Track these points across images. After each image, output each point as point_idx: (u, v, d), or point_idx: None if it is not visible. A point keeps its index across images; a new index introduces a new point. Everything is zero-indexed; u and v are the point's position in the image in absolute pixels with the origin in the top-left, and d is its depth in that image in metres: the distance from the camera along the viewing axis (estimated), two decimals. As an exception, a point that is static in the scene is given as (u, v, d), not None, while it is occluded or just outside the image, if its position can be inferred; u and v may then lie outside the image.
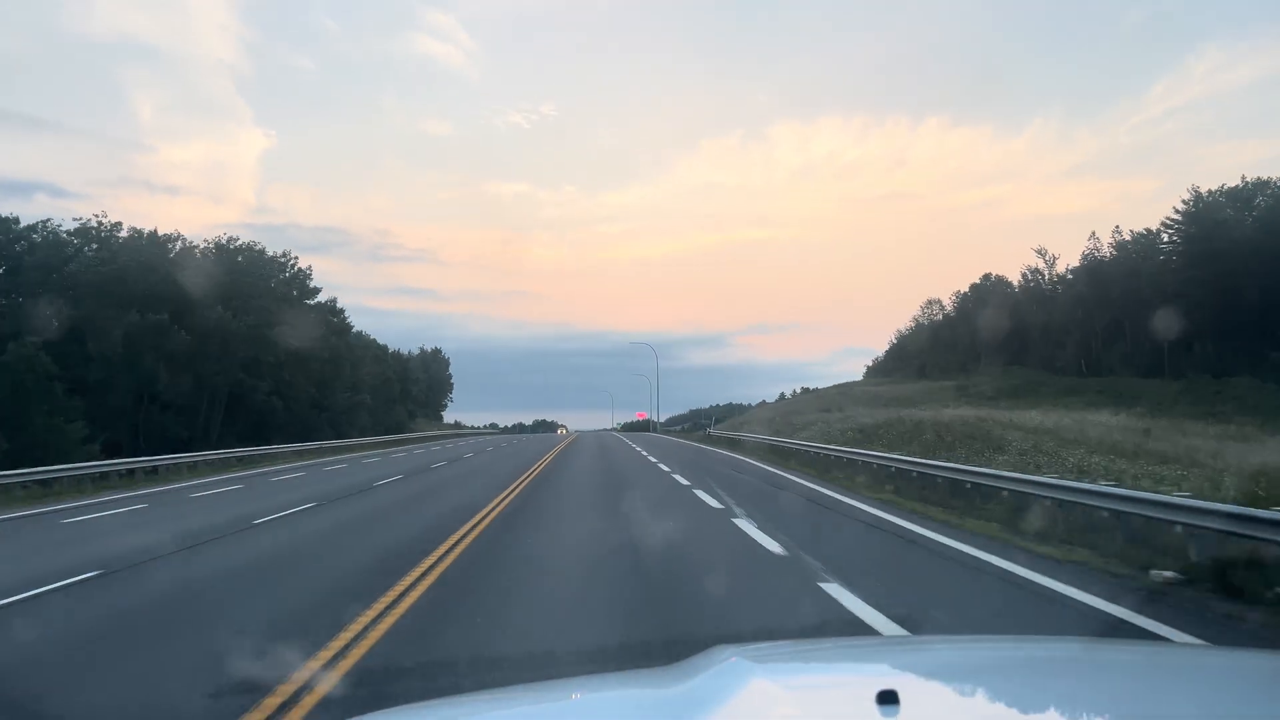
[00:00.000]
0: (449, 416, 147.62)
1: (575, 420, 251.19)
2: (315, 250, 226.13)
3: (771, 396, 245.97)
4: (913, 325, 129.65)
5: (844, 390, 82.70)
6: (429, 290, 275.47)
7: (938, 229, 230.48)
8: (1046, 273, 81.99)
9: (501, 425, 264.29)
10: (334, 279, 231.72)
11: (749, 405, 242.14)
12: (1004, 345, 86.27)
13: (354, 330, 75.83)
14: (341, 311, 56.06)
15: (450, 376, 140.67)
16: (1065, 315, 73.33)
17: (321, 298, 53.41)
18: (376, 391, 65.88)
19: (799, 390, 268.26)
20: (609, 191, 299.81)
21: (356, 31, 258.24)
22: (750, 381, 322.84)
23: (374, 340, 77.49)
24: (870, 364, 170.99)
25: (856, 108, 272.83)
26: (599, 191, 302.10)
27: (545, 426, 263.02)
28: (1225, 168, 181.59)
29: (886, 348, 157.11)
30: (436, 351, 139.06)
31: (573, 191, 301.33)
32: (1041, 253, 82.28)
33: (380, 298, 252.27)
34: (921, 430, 39.97)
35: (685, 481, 22.69)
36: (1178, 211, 65.54)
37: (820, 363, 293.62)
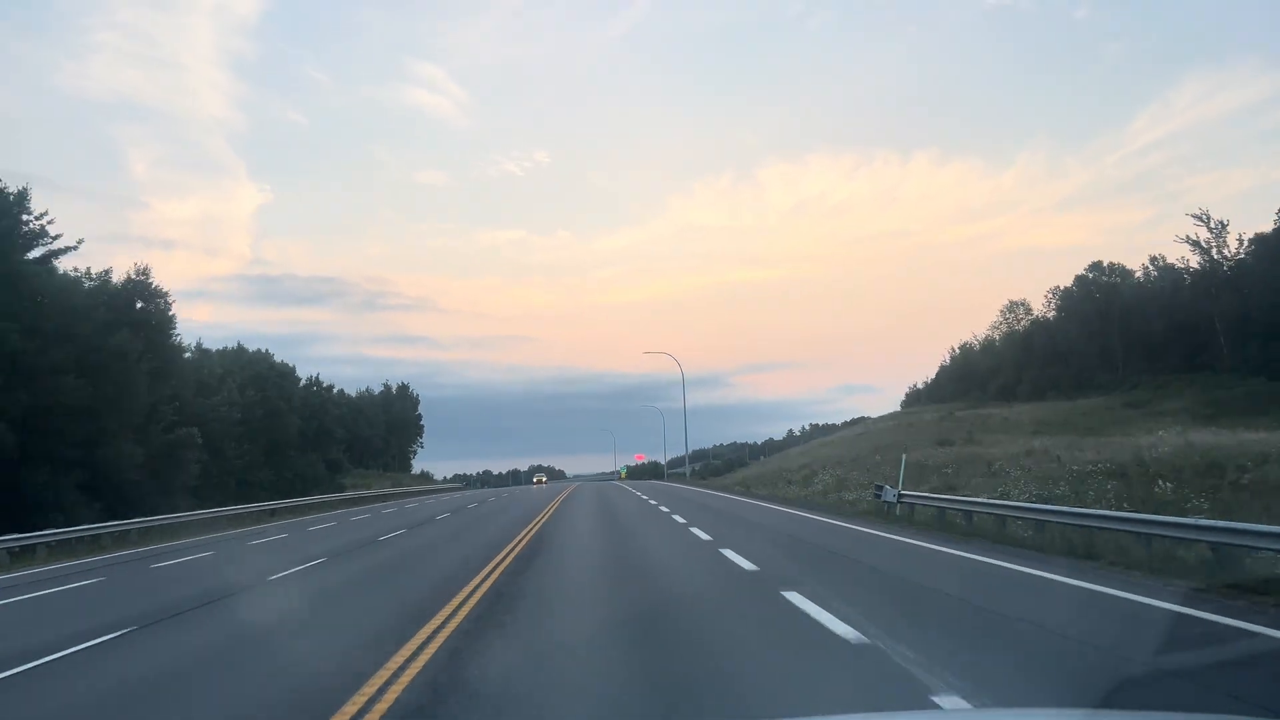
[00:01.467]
0: (421, 465, 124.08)
1: (576, 465, 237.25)
2: (312, 301, 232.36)
3: (778, 434, 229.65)
4: (984, 339, 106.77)
5: (944, 416, 59.11)
6: (426, 338, 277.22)
7: (931, 264, 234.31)
8: (1214, 246, 59.22)
9: (497, 472, 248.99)
10: (331, 329, 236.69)
11: (755, 444, 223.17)
12: (1148, 347, 62.97)
13: (236, 345, 52.56)
14: (162, 297, 32.55)
15: (420, 418, 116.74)
16: (1271, 296, 50.37)
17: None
18: (253, 431, 42.71)
19: (807, 427, 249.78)
20: (603, 235, 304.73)
21: (348, 85, 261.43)
22: (749, 420, 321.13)
23: (267, 355, 53.96)
24: (911, 390, 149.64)
25: (845, 147, 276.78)
26: (593, 236, 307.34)
27: (545, 474, 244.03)
28: (1213, 198, 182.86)
29: (939, 368, 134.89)
30: (404, 389, 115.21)
31: (567, 237, 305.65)
32: (1203, 218, 59.37)
33: (378, 347, 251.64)
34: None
35: None
36: None
37: (819, 400, 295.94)
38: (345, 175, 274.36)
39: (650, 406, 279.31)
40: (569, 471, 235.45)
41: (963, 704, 5.16)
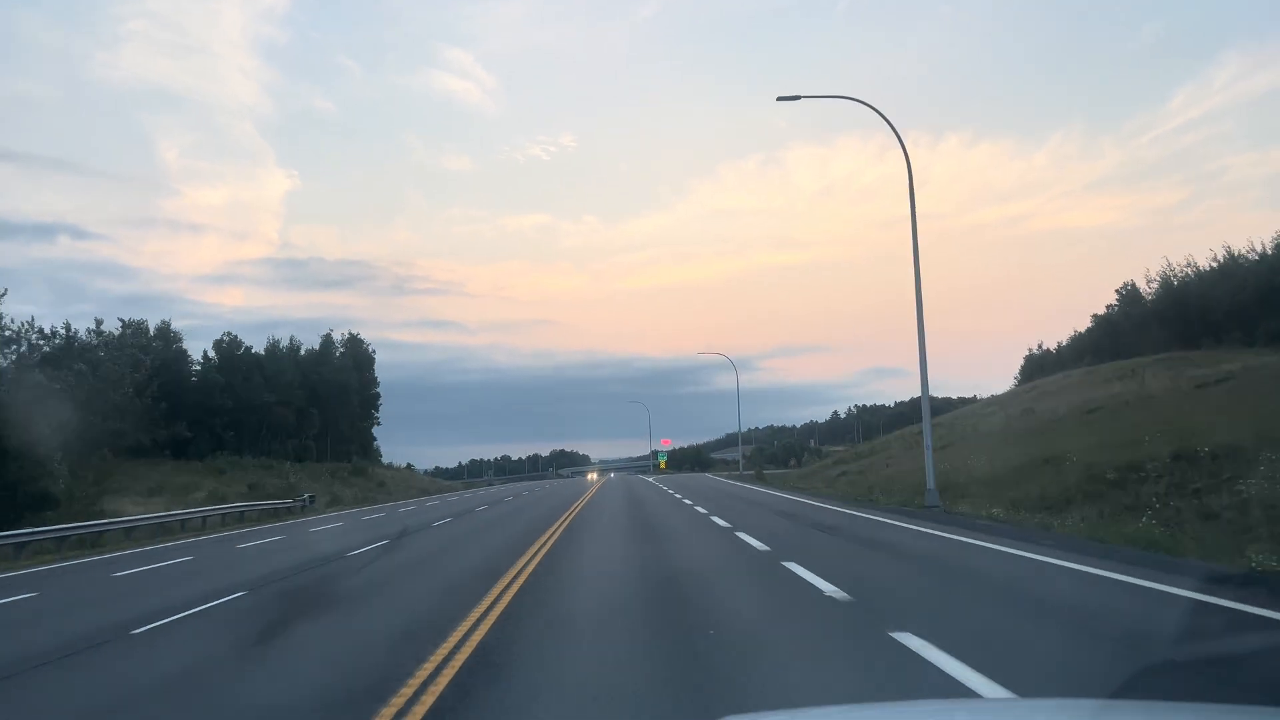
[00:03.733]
0: (402, 452, 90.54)
1: (604, 450, 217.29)
2: (340, 285, 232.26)
3: (818, 417, 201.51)
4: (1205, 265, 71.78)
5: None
6: (454, 323, 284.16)
7: (962, 246, 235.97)
8: None
9: (516, 458, 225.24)
10: (359, 314, 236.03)
11: (794, 427, 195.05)
12: None
13: None
14: None
15: (374, 382, 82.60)
16: None
17: None
18: None
19: (854, 409, 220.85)
20: (629, 220, 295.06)
21: (377, 71, 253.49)
22: (779, 404, 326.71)
23: None
24: (1035, 353, 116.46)
25: (874, 128, 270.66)
26: (619, 220, 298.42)
27: (565, 460, 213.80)
28: (1253, 177, 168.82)
29: (1093, 319, 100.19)
30: (355, 341, 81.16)
31: (593, 221, 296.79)
32: None
33: (405, 331, 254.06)
34: None
35: None
36: None
37: (849, 384, 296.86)
38: (373, 161, 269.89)
39: (713, 359, 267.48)
40: (595, 456, 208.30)
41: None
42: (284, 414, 60.91)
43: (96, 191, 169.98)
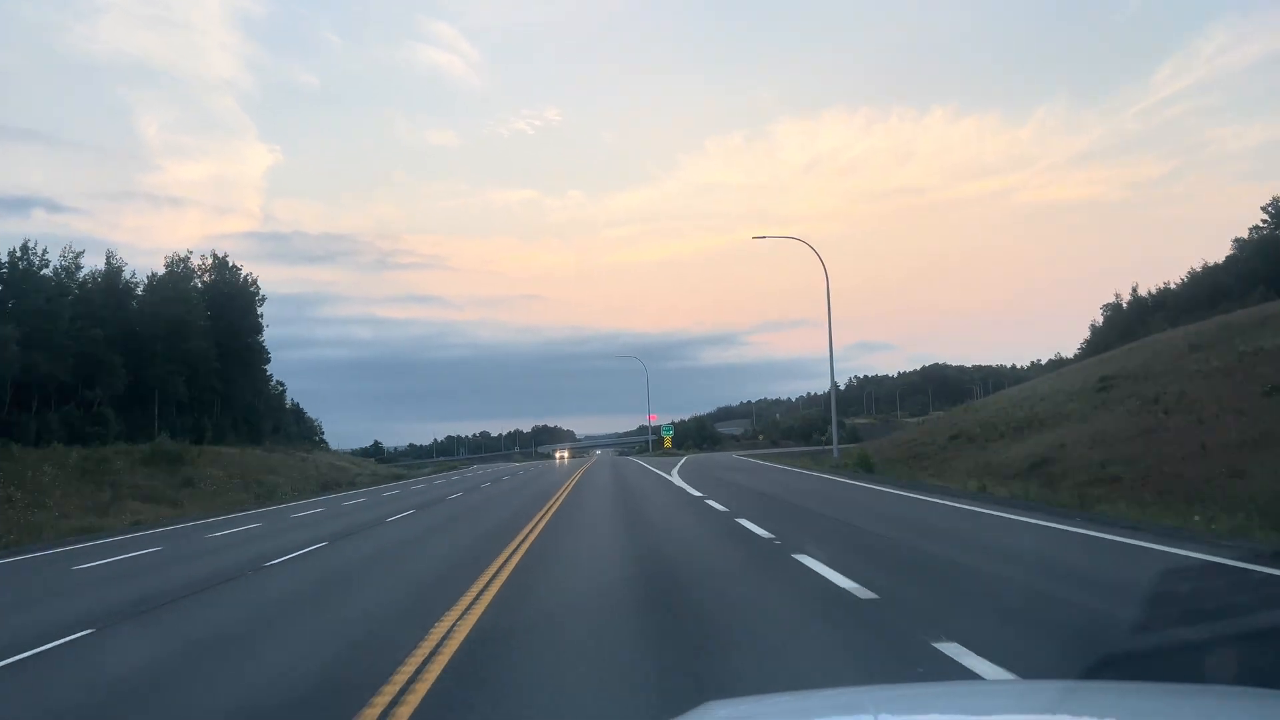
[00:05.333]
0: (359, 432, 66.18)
1: (592, 426, 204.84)
2: (324, 260, 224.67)
3: (818, 390, 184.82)
4: None
5: None
6: (440, 298, 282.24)
7: (946, 221, 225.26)
8: None
9: (495, 434, 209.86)
10: (344, 289, 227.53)
11: (789, 400, 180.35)
12: None
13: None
14: None
15: (258, 327, 58.08)
16: None
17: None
18: None
19: (855, 380, 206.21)
20: (615, 194, 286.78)
21: (360, 44, 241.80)
22: (765, 378, 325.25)
23: None
24: (1121, 303, 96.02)
25: (860, 101, 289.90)
26: (605, 195, 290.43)
27: (547, 437, 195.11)
28: (1235, 149, 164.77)
29: (1236, 243, 78.16)
30: (223, 268, 56.57)
31: (579, 196, 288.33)
32: None
33: (390, 306, 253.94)
34: None
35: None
36: None
37: (837, 358, 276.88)
38: (356, 135, 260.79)
39: (685, 351, 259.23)
40: (580, 432, 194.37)
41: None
42: (41, 364, 36.93)
43: (73, 165, 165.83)
